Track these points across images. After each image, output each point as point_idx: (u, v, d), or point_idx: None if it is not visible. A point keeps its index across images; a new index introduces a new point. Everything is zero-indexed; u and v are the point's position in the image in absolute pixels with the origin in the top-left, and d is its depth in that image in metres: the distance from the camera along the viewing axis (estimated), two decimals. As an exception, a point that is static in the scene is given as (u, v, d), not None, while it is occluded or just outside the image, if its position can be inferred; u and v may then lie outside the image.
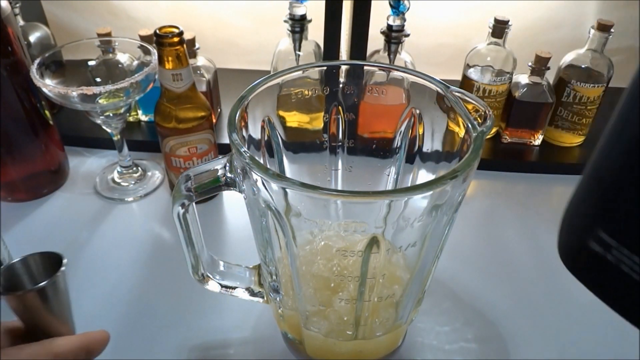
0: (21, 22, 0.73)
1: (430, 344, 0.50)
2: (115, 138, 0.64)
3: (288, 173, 0.47)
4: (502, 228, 0.64)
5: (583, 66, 0.69)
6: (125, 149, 0.67)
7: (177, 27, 0.55)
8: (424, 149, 0.45)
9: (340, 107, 0.46)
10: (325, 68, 0.45)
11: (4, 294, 0.35)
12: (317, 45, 0.69)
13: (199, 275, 0.44)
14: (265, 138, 0.43)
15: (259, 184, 0.34)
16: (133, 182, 0.68)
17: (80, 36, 0.79)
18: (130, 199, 0.66)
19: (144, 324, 0.50)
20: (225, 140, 0.71)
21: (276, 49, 0.70)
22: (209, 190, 0.38)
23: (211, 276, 0.45)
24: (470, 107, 0.38)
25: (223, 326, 0.51)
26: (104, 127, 0.62)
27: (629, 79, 0.21)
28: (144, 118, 0.78)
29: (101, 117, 0.60)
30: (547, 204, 0.69)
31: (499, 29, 0.67)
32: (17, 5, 0.72)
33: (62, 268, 0.36)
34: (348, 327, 0.42)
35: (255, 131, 0.42)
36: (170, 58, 0.55)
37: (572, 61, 0.70)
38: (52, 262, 0.37)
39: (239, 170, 0.36)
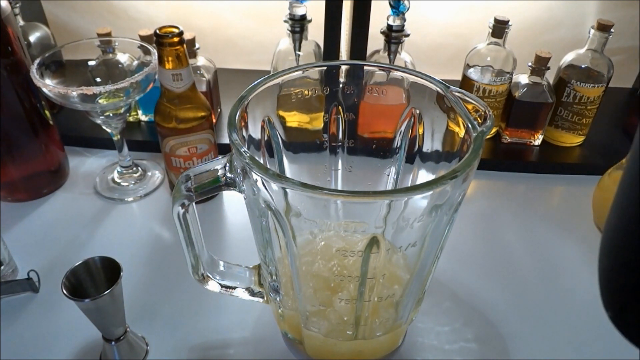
0: (21, 22, 0.73)
1: (430, 344, 0.50)
2: (115, 138, 0.64)
3: (288, 173, 0.47)
4: (502, 228, 0.64)
5: (583, 66, 0.69)
6: (125, 149, 0.67)
7: (177, 27, 0.55)
8: (424, 149, 0.45)
9: (340, 107, 0.46)
10: (325, 68, 0.45)
11: (73, 299, 0.39)
12: (317, 45, 0.69)
13: (199, 275, 0.44)
14: (265, 138, 0.43)
15: (259, 184, 0.34)
16: (133, 182, 0.68)
17: (80, 36, 0.79)
18: (130, 199, 0.66)
19: (143, 324, 0.50)
20: (225, 140, 0.71)
21: (276, 49, 0.70)
22: (209, 190, 0.38)
23: (211, 276, 0.45)
24: (470, 107, 0.38)
25: (223, 326, 0.51)
26: (104, 127, 0.62)
27: (628, 79, 0.21)
28: (144, 118, 0.78)
29: (101, 117, 0.60)
30: (547, 204, 0.69)
31: (499, 29, 0.67)
32: (17, 5, 0.72)
33: (122, 273, 0.41)
34: (348, 327, 0.42)
35: (255, 131, 0.42)
36: (170, 58, 0.55)
37: (572, 61, 0.70)
38: (107, 264, 0.42)
39: (239, 170, 0.36)
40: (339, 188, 0.50)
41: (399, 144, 0.47)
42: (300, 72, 0.43)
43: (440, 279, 0.55)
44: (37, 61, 0.57)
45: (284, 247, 0.37)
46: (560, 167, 0.73)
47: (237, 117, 0.37)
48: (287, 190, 0.32)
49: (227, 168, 0.37)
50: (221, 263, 0.46)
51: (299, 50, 0.68)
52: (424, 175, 0.45)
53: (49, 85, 0.55)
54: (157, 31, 0.55)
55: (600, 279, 0.23)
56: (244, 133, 0.40)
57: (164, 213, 0.64)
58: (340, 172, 0.49)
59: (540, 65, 0.68)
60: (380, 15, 0.65)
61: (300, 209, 0.33)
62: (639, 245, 0.21)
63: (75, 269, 0.41)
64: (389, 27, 0.65)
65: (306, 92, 0.44)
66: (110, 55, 0.67)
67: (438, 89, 0.41)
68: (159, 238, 0.61)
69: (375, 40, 0.67)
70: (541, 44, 0.76)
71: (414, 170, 0.46)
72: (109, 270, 0.42)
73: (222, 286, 0.45)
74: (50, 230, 0.61)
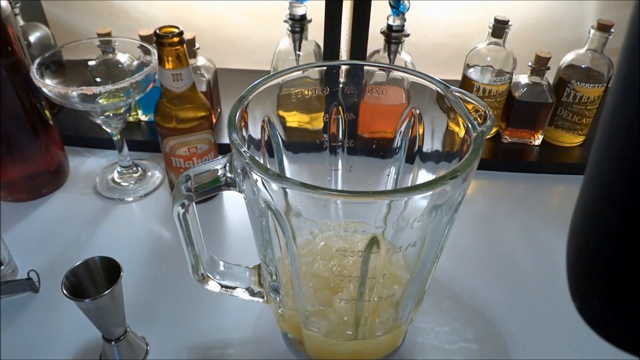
0: (21, 22, 0.73)
1: (430, 344, 0.50)
2: (115, 138, 0.64)
3: (288, 173, 0.47)
4: (502, 228, 0.64)
5: (583, 66, 0.69)
6: (125, 149, 0.67)
7: (177, 27, 0.55)
8: (424, 149, 0.45)
9: (340, 107, 0.46)
10: (325, 68, 0.45)
11: (73, 299, 0.39)
12: (317, 45, 0.69)
13: (199, 275, 0.44)
14: (265, 138, 0.43)
15: (259, 184, 0.34)
16: (133, 182, 0.68)
17: (80, 36, 0.79)
18: (130, 199, 0.66)
19: (143, 324, 0.50)
20: (225, 140, 0.71)
21: (276, 49, 0.70)
22: (209, 190, 0.38)
23: (211, 276, 0.45)
24: (470, 107, 0.38)
25: (223, 326, 0.51)
26: (104, 127, 0.62)
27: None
28: (144, 118, 0.78)
29: (101, 117, 0.60)
30: (547, 204, 0.69)
31: (499, 29, 0.67)
32: (17, 5, 0.72)
33: (122, 273, 0.41)
34: (348, 327, 0.42)
35: (255, 131, 0.42)
36: (170, 58, 0.55)
37: (572, 61, 0.70)
38: (107, 264, 0.43)
39: (239, 170, 0.36)
40: (339, 188, 0.50)
41: (399, 144, 0.47)
42: (300, 72, 0.43)
43: (440, 279, 0.55)
44: (37, 61, 0.57)
45: (284, 247, 0.37)
46: (560, 167, 0.73)
47: (237, 117, 0.37)
48: (287, 190, 0.32)
49: (227, 168, 0.37)
50: (221, 263, 0.46)
51: (299, 50, 0.68)
52: (424, 175, 0.45)
53: (49, 85, 0.55)
54: (157, 31, 0.55)
55: (567, 270, 0.24)
56: (244, 133, 0.40)
57: (164, 213, 0.64)
58: (340, 172, 0.49)
59: (540, 65, 0.68)
60: (380, 15, 0.65)
61: (300, 209, 0.33)
62: (601, 235, 0.21)
63: (75, 269, 0.41)
64: (389, 27, 0.65)
65: (306, 92, 0.44)
66: (110, 55, 0.67)
67: (438, 89, 0.41)
68: (159, 238, 0.61)
69: (375, 40, 0.67)
70: (541, 44, 0.76)
71: (414, 170, 0.46)
72: (109, 270, 0.42)
73: (222, 286, 0.45)
74: (50, 230, 0.61)
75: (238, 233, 0.62)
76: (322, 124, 0.47)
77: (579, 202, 0.22)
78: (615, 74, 0.19)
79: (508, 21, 0.67)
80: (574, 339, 0.51)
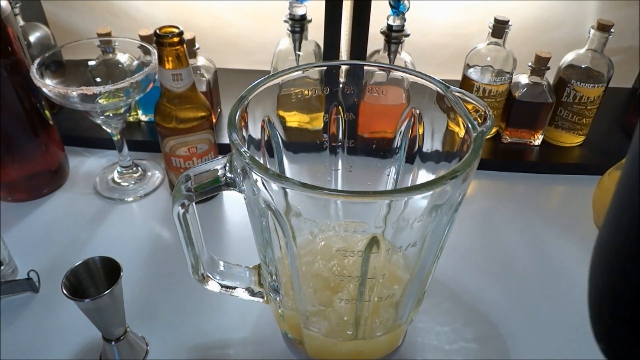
0: (21, 22, 0.73)
1: (430, 344, 0.50)
2: (115, 138, 0.64)
3: (288, 173, 0.47)
4: (502, 228, 0.64)
5: (583, 66, 0.69)
6: (125, 149, 0.67)
7: (177, 27, 0.55)
8: (424, 149, 0.45)
9: (340, 107, 0.46)
10: (325, 68, 0.45)
11: (73, 299, 0.39)
12: (317, 45, 0.69)
13: (199, 275, 0.44)
14: (265, 138, 0.43)
15: (259, 184, 0.34)
16: (133, 182, 0.68)
17: (80, 36, 0.79)
18: (130, 199, 0.66)
19: (143, 324, 0.50)
20: (225, 140, 0.71)
21: (276, 49, 0.70)
22: (209, 190, 0.38)
23: (211, 276, 0.45)
24: (470, 107, 0.38)
25: (223, 326, 0.51)
26: (104, 127, 0.62)
27: (628, 79, 0.20)
28: (144, 118, 0.78)
29: (101, 117, 0.60)
30: (547, 204, 0.69)
31: (499, 29, 0.67)
32: (17, 5, 0.72)
33: (122, 273, 0.41)
34: (348, 327, 0.42)
35: (255, 131, 0.42)
36: (170, 58, 0.55)
37: (572, 61, 0.70)
38: (107, 264, 0.42)
39: (239, 170, 0.36)
40: (339, 188, 0.50)
41: (399, 144, 0.47)
42: (300, 72, 0.43)
43: (440, 279, 0.55)
44: (37, 61, 0.57)
45: (284, 247, 0.37)
46: (560, 167, 0.73)
47: (237, 117, 0.37)
48: (287, 190, 0.32)
49: (227, 168, 0.37)
50: (221, 263, 0.46)
51: (299, 50, 0.68)
52: (424, 175, 0.45)
53: (49, 85, 0.55)
54: (157, 31, 0.55)
55: (590, 305, 0.21)
56: (244, 133, 0.40)
57: (164, 213, 0.64)
58: (340, 172, 0.49)
59: (540, 65, 0.68)
60: (380, 15, 0.65)
61: (300, 209, 0.33)
62: (628, 271, 0.19)
63: (75, 269, 0.41)
64: (389, 27, 0.65)
65: (306, 92, 0.44)
66: (110, 55, 0.67)
67: (438, 89, 0.41)
68: (159, 238, 0.61)
69: (375, 40, 0.67)
70: (541, 44, 0.76)
71: (414, 170, 0.46)
72: (109, 270, 0.42)
73: (222, 286, 0.45)
74: (50, 230, 0.61)
75: (238, 233, 0.62)
76: (322, 124, 0.47)
77: (602, 237, 0.20)
78: None
79: (508, 21, 0.67)
80: (574, 339, 0.51)
